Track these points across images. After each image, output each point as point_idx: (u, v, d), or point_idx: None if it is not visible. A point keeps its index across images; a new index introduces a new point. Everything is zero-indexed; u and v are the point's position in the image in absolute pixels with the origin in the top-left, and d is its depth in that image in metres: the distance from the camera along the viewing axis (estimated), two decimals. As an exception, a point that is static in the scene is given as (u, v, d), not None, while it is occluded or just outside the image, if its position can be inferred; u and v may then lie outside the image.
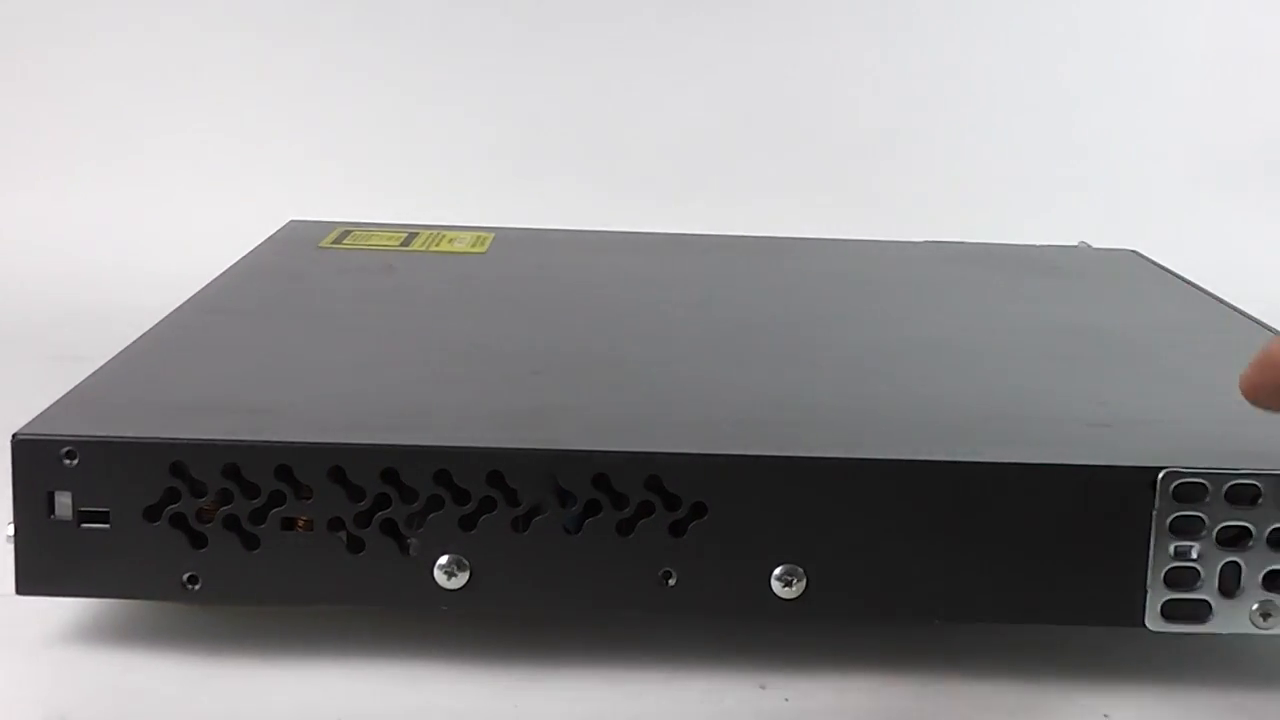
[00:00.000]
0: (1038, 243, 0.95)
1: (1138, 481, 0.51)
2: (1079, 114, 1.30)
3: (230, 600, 0.53)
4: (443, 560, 0.52)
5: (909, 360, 0.66)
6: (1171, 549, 0.52)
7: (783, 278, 0.83)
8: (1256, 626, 0.52)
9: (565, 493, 0.52)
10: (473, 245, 0.89)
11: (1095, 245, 0.96)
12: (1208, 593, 0.52)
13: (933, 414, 0.58)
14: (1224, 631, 0.52)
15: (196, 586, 0.52)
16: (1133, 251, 0.94)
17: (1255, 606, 0.52)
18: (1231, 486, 0.51)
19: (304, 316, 0.71)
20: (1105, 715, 0.52)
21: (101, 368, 0.60)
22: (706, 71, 1.30)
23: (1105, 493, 0.52)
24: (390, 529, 0.52)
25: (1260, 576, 0.52)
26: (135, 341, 0.64)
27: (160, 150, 1.25)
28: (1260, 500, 0.51)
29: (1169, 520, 0.52)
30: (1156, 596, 0.52)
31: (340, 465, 0.52)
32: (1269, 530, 0.52)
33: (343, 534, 0.52)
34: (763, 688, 0.52)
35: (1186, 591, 0.52)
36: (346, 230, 0.91)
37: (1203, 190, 1.26)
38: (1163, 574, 0.52)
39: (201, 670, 0.52)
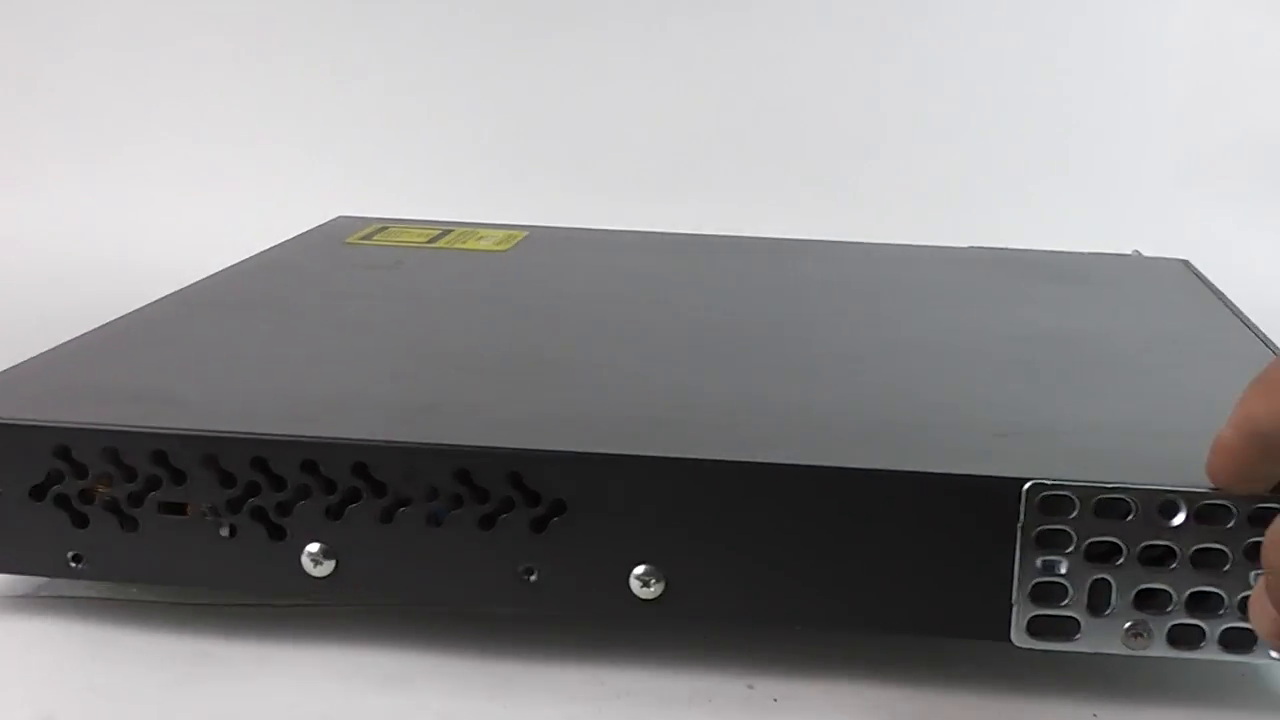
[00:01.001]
0: (1091, 249, 0.93)
1: (1004, 493, 0.50)
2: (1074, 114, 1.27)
3: (112, 578, 0.55)
4: (311, 548, 0.53)
5: (849, 365, 0.65)
6: (1038, 563, 0.50)
7: (782, 279, 0.82)
8: (1128, 647, 0.50)
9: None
10: (497, 244, 0.90)
11: (1145, 253, 0.93)
12: (1076, 610, 0.50)
13: (829, 419, 0.57)
14: (1093, 651, 0.51)
15: (80, 565, 0.54)
16: (1183, 261, 0.91)
17: (1126, 626, 0.50)
18: (1100, 500, 0.50)
19: (274, 310, 0.72)
20: (1094, 715, 0.52)
21: (42, 354, 0.62)
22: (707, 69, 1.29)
23: (971, 503, 0.50)
24: (261, 516, 0.53)
25: (1131, 595, 0.50)
26: (98, 328, 0.66)
27: (226, 142, 1.28)
28: (1131, 516, 0.50)
29: (1035, 533, 0.50)
30: (1023, 611, 0.51)
31: (212, 453, 0.53)
32: (1140, 547, 0.50)
33: (216, 519, 0.53)
34: (750, 688, 0.52)
35: (1054, 608, 0.51)
36: (383, 226, 0.93)
37: (1194, 192, 1.22)
38: (1029, 588, 0.50)
39: (188, 670, 0.53)
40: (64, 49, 1.28)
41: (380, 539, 0.53)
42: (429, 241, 0.90)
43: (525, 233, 0.94)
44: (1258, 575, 0.46)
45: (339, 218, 0.97)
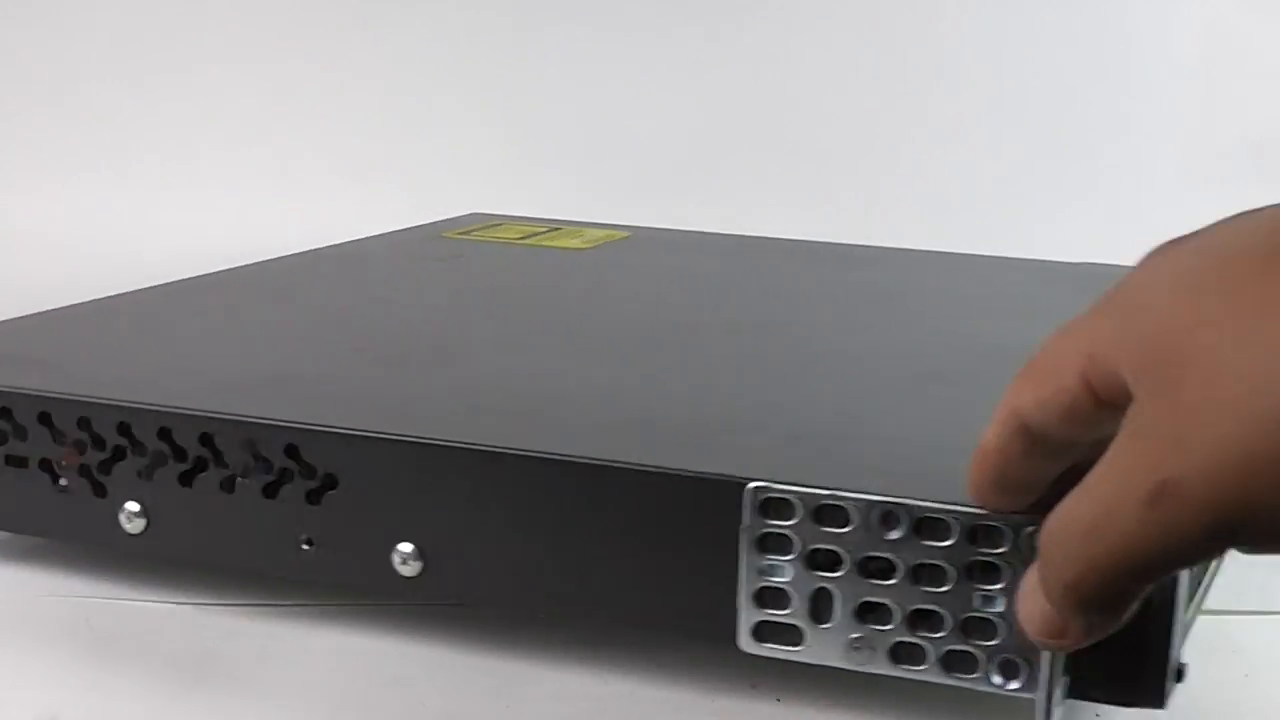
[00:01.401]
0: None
1: (728, 493, 0.49)
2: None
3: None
4: (129, 506, 0.57)
5: (668, 361, 0.65)
6: (761, 567, 0.49)
7: (792, 283, 0.82)
8: (851, 662, 0.49)
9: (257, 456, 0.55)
10: (584, 243, 0.91)
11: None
12: (798, 618, 0.49)
13: (628, 414, 0.57)
14: (817, 661, 0.49)
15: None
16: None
17: (849, 639, 0.49)
18: (820, 507, 0.48)
19: (274, 293, 0.76)
20: (1097, 715, 0.51)
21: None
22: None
23: (697, 501, 0.50)
24: (86, 472, 0.57)
25: (853, 607, 0.49)
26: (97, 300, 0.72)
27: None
28: (851, 525, 0.48)
29: (757, 536, 0.49)
30: (748, 616, 0.50)
31: (46, 411, 0.57)
32: (860, 558, 0.48)
33: (49, 474, 0.58)
34: (754, 687, 0.52)
35: (777, 613, 0.49)
36: (495, 223, 0.96)
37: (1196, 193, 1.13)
38: (753, 592, 0.49)
39: (191, 670, 0.53)
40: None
41: (183, 501, 0.56)
42: (521, 238, 0.92)
43: (628, 233, 0.96)
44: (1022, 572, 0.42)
45: (473, 213, 1.00)
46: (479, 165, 1.30)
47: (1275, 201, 0.34)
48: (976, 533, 0.46)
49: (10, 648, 0.53)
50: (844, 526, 0.48)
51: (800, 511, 0.48)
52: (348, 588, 0.56)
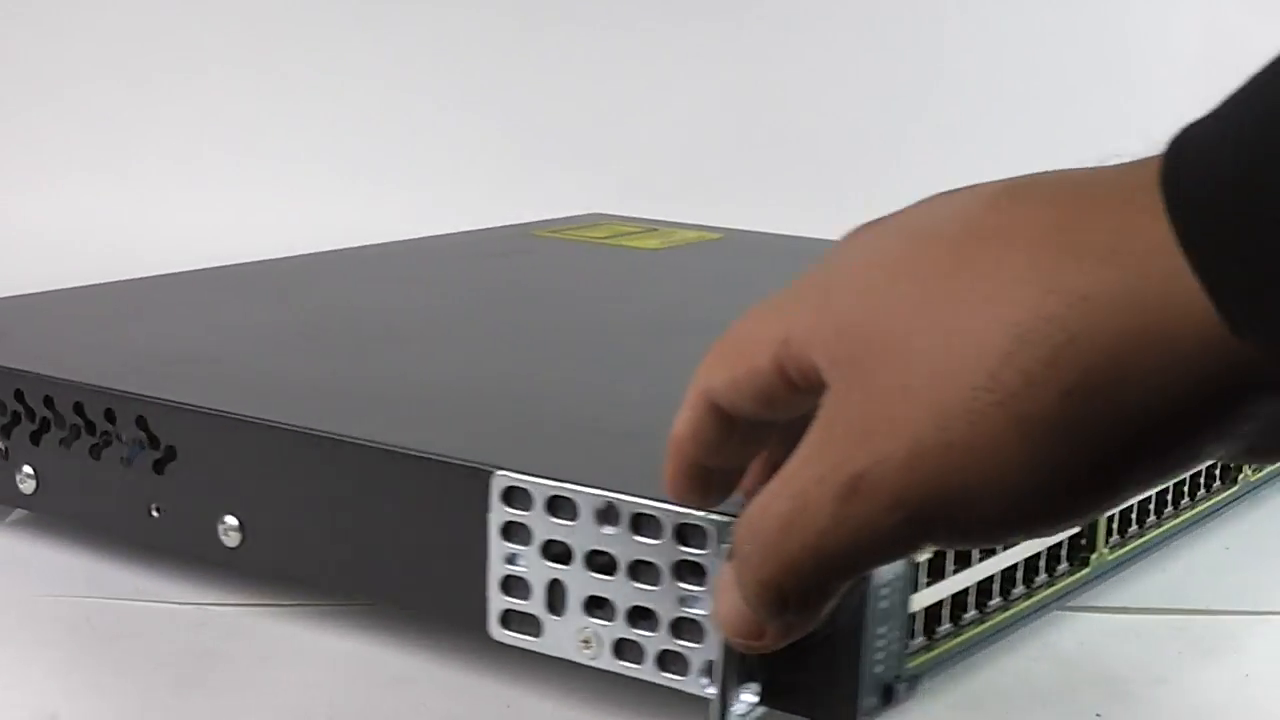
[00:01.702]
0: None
1: (475, 481, 0.50)
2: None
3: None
4: (24, 468, 0.61)
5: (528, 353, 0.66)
6: (506, 555, 0.50)
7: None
8: (582, 655, 0.49)
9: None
10: (662, 244, 0.92)
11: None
12: (537, 607, 0.49)
13: (471, 407, 0.58)
14: (555, 654, 0.49)
15: None
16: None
17: (578, 631, 0.49)
18: (552, 498, 0.49)
19: (273, 287, 0.80)
20: (1098, 715, 0.51)
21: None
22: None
23: (453, 488, 0.51)
24: (-5, 435, 0.62)
25: (581, 600, 0.49)
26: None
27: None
28: (578, 518, 0.48)
29: (501, 525, 0.50)
30: (496, 603, 0.50)
31: (-36, 378, 0.62)
32: (586, 551, 0.48)
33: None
34: None
35: (519, 602, 0.50)
36: (594, 223, 0.98)
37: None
38: (500, 580, 0.50)
39: (191, 670, 0.52)
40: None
41: (65, 466, 0.60)
42: (606, 238, 0.93)
43: (720, 235, 0.96)
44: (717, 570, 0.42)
45: (591, 213, 1.02)
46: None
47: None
48: (685, 531, 0.46)
49: (10, 647, 0.53)
50: (573, 519, 0.48)
51: (536, 502, 0.49)
52: (187, 554, 0.58)
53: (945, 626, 0.50)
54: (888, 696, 0.46)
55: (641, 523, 0.47)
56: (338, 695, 0.51)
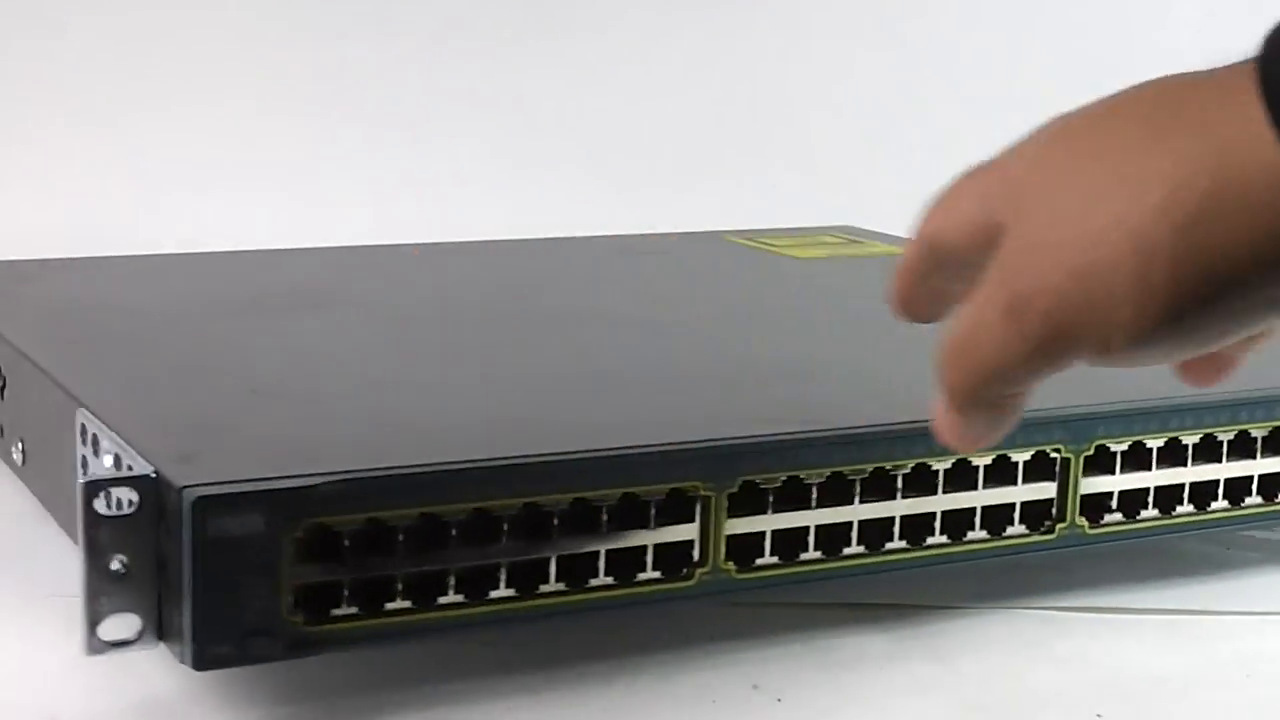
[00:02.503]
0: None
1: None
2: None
3: None
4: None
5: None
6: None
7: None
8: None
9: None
10: (825, 253, 0.88)
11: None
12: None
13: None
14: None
15: None
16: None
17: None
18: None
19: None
20: (1098, 716, 0.50)
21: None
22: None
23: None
24: None
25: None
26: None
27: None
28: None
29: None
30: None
31: None
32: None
33: None
34: (755, 688, 0.52)
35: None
36: (798, 237, 0.92)
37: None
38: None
39: (194, 674, 0.50)
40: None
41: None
42: (789, 246, 0.88)
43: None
44: None
45: (845, 226, 0.97)
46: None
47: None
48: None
49: (10, 648, 0.53)
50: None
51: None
52: None
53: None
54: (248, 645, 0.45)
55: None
56: (339, 695, 0.50)
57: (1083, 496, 0.55)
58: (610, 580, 0.49)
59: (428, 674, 0.51)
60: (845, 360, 0.64)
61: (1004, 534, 0.54)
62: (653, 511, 0.49)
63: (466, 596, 0.48)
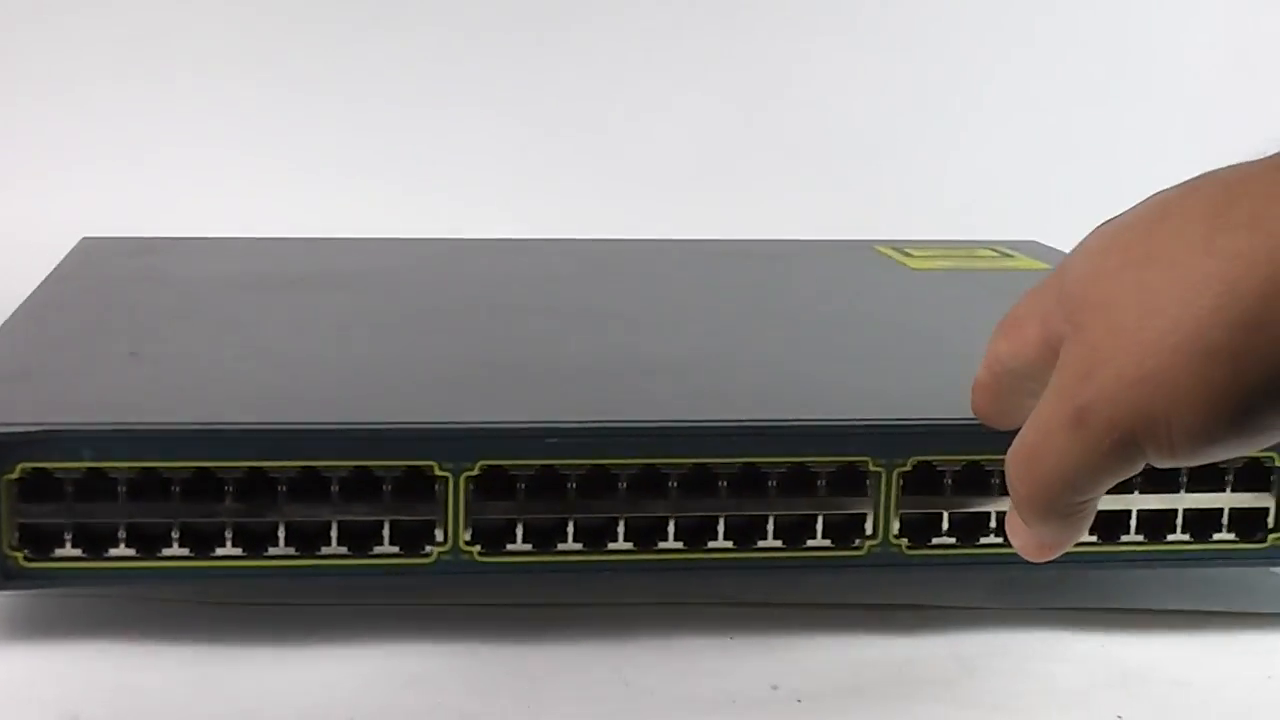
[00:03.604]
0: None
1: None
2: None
3: None
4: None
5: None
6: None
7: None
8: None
9: None
10: (940, 266, 0.85)
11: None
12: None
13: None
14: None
15: None
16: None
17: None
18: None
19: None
20: (1119, 717, 0.51)
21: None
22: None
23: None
24: None
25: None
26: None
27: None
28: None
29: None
30: None
31: None
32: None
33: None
34: (775, 688, 0.52)
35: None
36: (945, 251, 0.90)
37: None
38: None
39: (212, 669, 0.52)
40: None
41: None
42: (923, 258, 0.86)
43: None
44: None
45: (1031, 241, 0.98)
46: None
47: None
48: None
49: (30, 647, 0.53)
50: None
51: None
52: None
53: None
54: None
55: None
56: (359, 694, 0.50)
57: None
58: (344, 550, 0.51)
59: (444, 666, 0.52)
60: (761, 355, 0.63)
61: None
62: (389, 487, 0.51)
63: (192, 551, 0.51)
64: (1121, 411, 0.38)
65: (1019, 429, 0.44)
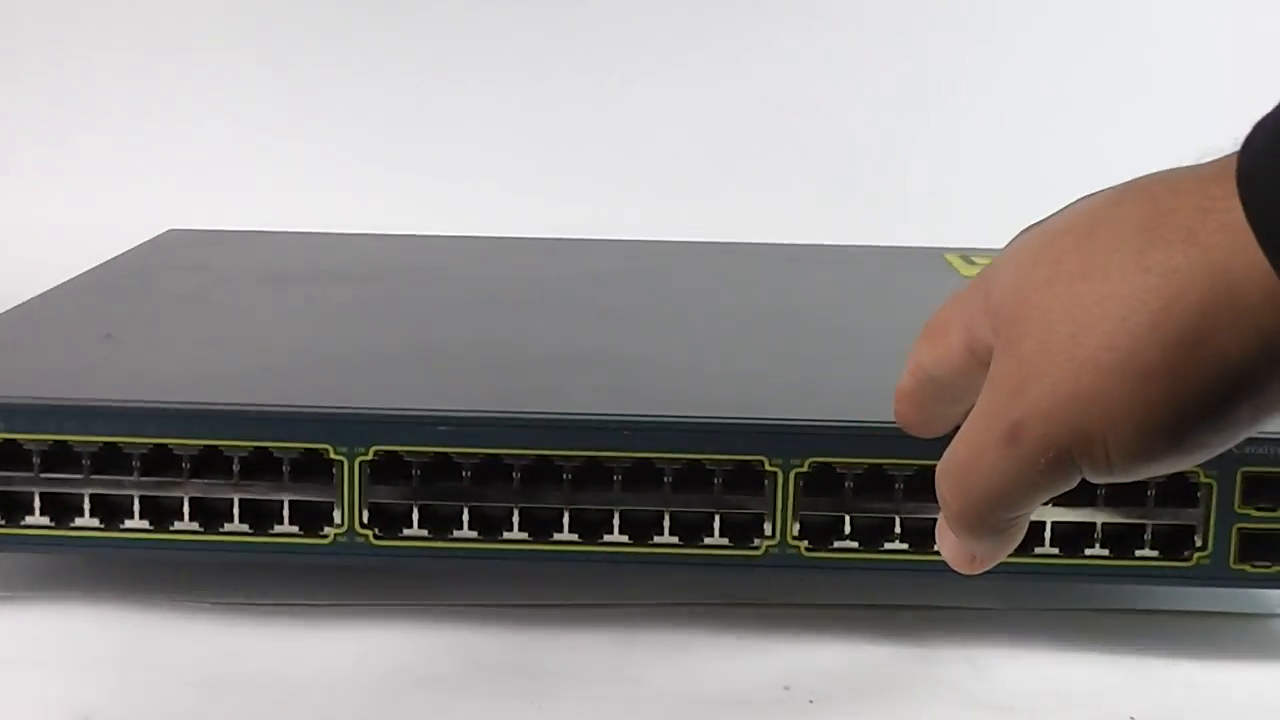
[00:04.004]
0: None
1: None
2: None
3: None
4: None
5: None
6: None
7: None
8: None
9: None
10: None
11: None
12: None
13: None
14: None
15: None
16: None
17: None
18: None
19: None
20: (1132, 718, 0.51)
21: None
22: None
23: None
24: None
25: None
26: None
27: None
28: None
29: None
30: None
31: None
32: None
33: None
34: (787, 689, 0.52)
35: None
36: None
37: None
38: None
39: (222, 669, 0.52)
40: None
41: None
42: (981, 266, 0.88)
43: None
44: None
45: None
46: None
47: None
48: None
49: (43, 648, 0.53)
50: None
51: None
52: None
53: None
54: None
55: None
56: (365, 695, 0.51)
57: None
58: (246, 528, 0.53)
59: (451, 668, 0.53)
60: (707, 355, 0.64)
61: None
62: (287, 468, 0.52)
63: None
64: (1055, 429, 0.37)
65: (940, 438, 0.43)
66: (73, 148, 1.24)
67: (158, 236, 0.87)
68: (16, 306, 0.68)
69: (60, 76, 1.26)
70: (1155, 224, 0.36)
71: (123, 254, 0.81)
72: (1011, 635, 0.55)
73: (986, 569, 0.43)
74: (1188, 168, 0.37)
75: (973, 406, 0.42)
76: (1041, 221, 0.41)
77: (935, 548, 0.44)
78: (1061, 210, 0.40)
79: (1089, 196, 0.40)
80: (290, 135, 1.25)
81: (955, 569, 0.44)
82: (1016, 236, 0.41)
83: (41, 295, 0.70)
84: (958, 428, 0.41)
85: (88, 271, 0.75)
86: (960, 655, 0.54)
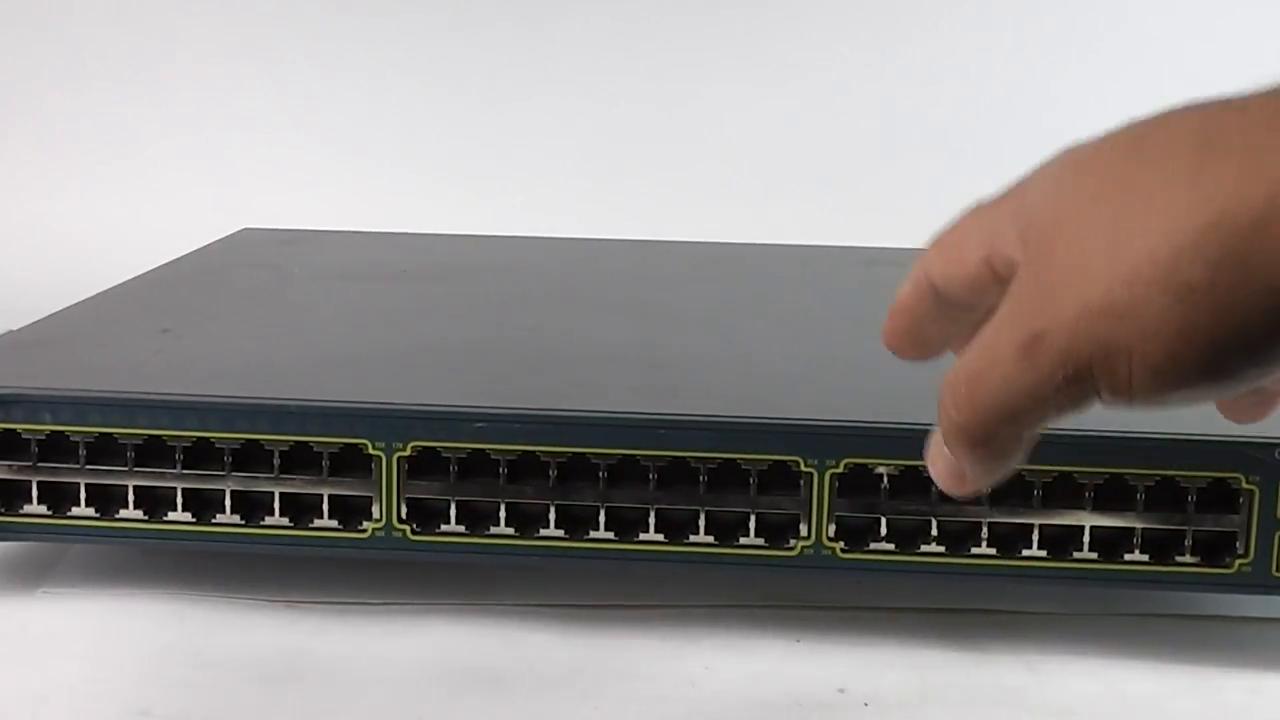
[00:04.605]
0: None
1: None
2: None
3: None
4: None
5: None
6: None
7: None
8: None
9: None
10: None
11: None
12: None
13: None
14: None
15: None
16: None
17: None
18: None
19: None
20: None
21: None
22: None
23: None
24: None
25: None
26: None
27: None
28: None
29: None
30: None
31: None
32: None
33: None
34: (842, 691, 0.52)
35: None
36: None
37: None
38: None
39: (282, 668, 0.52)
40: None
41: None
42: None
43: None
44: None
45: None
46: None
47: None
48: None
49: (103, 644, 0.54)
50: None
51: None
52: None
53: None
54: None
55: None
56: (426, 694, 0.51)
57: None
58: (286, 521, 0.54)
59: (514, 668, 0.53)
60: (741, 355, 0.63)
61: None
62: (326, 462, 0.53)
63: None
64: (1080, 342, 0.35)
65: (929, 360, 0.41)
66: (157, 151, 1.27)
67: (232, 235, 0.88)
68: (84, 299, 0.69)
69: (153, 82, 1.29)
70: (1212, 137, 0.35)
71: (194, 250, 0.82)
72: (1066, 640, 0.54)
73: (974, 490, 0.42)
74: (1244, 94, 0.35)
75: (970, 331, 0.40)
76: (1083, 143, 0.39)
77: (941, 478, 0.41)
78: (1105, 133, 0.38)
79: (1134, 121, 0.38)
80: (370, 141, 1.28)
81: (941, 487, 0.42)
82: (1055, 155, 0.39)
83: (111, 289, 0.72)
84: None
85: (159, 267, 0.77)
86: (1018, 660, 0.53)
